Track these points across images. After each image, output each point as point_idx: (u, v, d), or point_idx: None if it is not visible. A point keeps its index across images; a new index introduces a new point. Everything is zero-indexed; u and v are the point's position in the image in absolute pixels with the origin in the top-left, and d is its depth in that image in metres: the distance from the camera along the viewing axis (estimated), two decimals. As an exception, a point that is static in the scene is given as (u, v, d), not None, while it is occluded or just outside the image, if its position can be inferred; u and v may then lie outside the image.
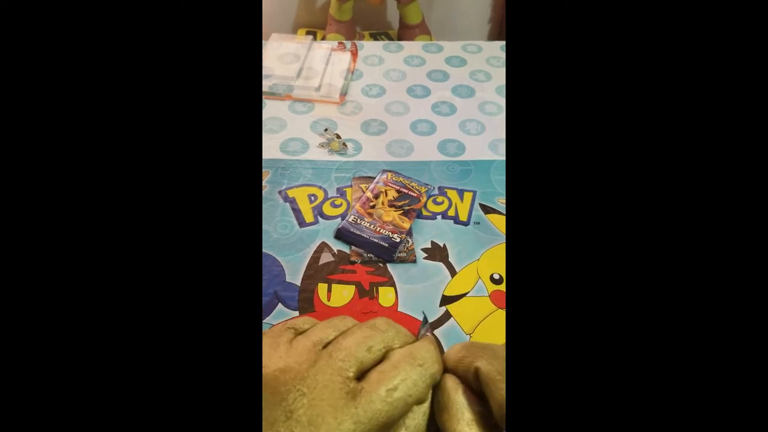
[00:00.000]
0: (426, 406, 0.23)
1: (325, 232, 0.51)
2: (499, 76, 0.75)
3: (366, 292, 0.46)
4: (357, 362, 0.22)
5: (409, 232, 0.51)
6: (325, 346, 0.23)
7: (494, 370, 0.22)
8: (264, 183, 0.56)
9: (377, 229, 0.50)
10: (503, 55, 0.81)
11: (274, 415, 0.20)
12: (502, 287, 0.46)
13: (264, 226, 0.51)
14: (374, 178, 0.57)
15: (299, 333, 0.24)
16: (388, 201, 0.53)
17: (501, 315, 0.44)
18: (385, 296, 0.45)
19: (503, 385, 0.21)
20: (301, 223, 0.52)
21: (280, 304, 0.44)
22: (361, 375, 0.22)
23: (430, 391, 0.23)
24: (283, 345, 0.23)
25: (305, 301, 0.45)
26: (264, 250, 0.48)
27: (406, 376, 0.21)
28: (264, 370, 0.21)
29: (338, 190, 0.56)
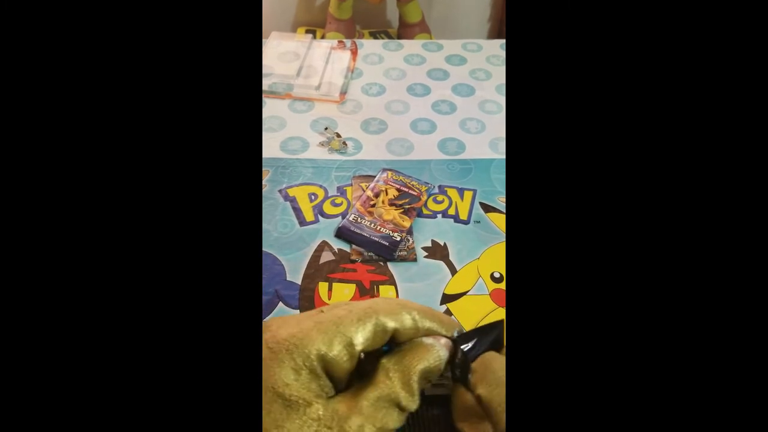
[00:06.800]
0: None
1: (325, 230, 0.51)
2: (499, 74, 0.75)
3: (367, 291, 0.46)
4: None
5: (410, 231, 0.51)
6: None
7: (495, 401, 0.23)
8: (264, 182, 0.56)
9: (378, 228, 0.50)
10: (503, 53, 0.80)
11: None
12: (503, 286, 0.46)
13: (264, 225, 0.51)
14: (374, 176, 0.57)
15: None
16: (389, 200, 0.53)
17: (501, 313, 0.44)
18: (386, 295, 0.45)
19: (504, 417, 0.22)
20: (302, 221, 0.52)
21: (280, 302, 0.44)
22: None
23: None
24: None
25: (306, 300, 0.45)
26: (264, 249, 0.48)
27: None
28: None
29: (338, 188, 0.56)
